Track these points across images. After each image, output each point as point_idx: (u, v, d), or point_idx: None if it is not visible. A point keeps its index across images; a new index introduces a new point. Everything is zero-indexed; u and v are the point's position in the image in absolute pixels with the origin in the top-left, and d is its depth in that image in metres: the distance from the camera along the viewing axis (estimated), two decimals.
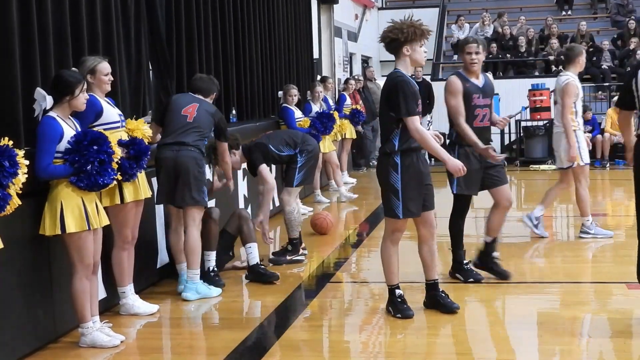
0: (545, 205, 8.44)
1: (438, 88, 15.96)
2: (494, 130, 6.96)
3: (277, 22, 12.00)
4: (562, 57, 8.65)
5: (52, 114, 5.02)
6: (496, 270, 6.67)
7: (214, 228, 6.78)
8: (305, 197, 11.48)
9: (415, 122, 5.39)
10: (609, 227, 8.77)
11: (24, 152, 4.53)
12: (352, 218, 10.63)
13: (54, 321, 5.30)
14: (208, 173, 7.07)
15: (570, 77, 8.04)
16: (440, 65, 20.04)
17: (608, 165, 14.98)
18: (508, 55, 19.18)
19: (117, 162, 5.16)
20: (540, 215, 8.38)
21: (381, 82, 13.11)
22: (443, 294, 5.80)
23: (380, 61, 20.76)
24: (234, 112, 9.83)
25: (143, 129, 5.85)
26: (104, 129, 5.37)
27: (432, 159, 9.97)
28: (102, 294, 5.74)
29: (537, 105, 15.51)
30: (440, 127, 12.27)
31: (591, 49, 18.06)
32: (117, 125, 5.60)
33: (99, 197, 5.35)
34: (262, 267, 6.94)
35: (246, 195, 9.27)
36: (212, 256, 6.75)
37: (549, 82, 16.05)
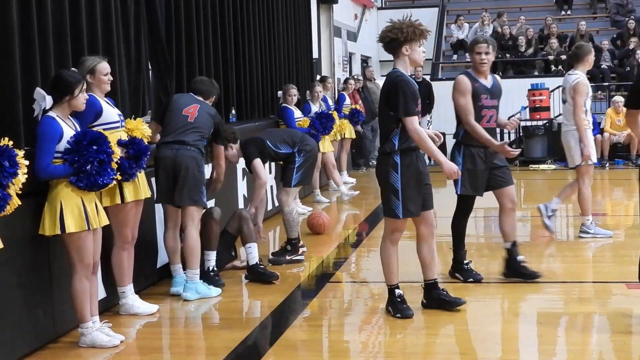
0: (562, 198, 8.42)
1: (437, 88, 16.04)
2: None
3: (277, 22, 12.01)
4: (571, 55, 8.63)
5: (51, 113, 5.02)
6: (526, 273, 6.55)
7: (214, 228, 6.78)
8: (305, 197, 11.49)
9: (414, 123, 5.39)
10: (609, 227, 8.78)
11: (24, 152, 4.54)
12: (352, 218, 10.63)
13: (54, 321, 5.30)
14: (207, 173, 7.07)
15: (580, 75, 8.04)
16: (440, 65, 20.06)
17: (607, 165, 14.98)
18: (507, 55, 19.18)
19: (116, 162, 5.17)
20: (556, 209, 8.36)
21: (380, 82, 13.12)
22: (445, 292, 5.81)
23: (380, 61, 20.76)
24: (233, 112, 9.84)
25: (142, 128, 5.85)
26: (104, 129, 5.38)
27: (432, 159, 9.95)
28: (101, 294, 5.74)
29: (537, 105, 15.54)
30: (440, 127, 12.29)
31: None
32: (116, 125, 5.60)
33: (99, 197, 5.36)
34: (262, 266, 6.94)
35: (246, 195, 9.27)
36: (212, 256, 6.75)
37: (549, 82, 16.10)
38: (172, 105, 6.60)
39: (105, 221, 5.29)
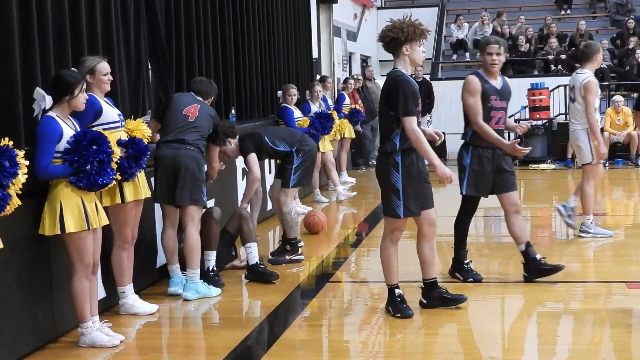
0: (578, 195, 8.42)
1: (437, 87, 16.05)
2: None
3: (277, 22, 12.00)
4: (579, 54, 8.62)
5: (51, 113, 5.02)
6: (548, 268, 6.50)
7: (214, 228, 6.78)
8: (305, 197, 11.49)
9: (412, 123, 5.38)
10: (609, 227, 8.77)
11: (24, 152, 4.54)
12: (351, 218, 10.63)
13: (54, 321, 5.31)
14: None
15: (589, 74, 8.03)
16: (440, 64, 20.06)
17: (607, 164, 14.98)
18: (507, 55, 19.14)
19: (116, 162, 5.17)
20: (575, 206, 8.36)
21: (380, 81, 13.14)
22: (445, 290, 5.81)
23: (380, 61, 20.76)
24: (233, 111, 9.83)
25: (142, 128, 5.86)
26: (104, 129, 5.38)
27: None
28: (101, 293, 5.73)
29: (536, 105, 15.54)
30: (440, 127, 12.28)
31: None
32: (116, 125, 5.60)
33: (99, 197, 5.36)
34: (262, 266, 6.94)
35: None
36: (212, 256, 6.75)
37: (548, 82, 16.11)
38: (173, 104, 6.61)
39: (105, 221, 5.29)
